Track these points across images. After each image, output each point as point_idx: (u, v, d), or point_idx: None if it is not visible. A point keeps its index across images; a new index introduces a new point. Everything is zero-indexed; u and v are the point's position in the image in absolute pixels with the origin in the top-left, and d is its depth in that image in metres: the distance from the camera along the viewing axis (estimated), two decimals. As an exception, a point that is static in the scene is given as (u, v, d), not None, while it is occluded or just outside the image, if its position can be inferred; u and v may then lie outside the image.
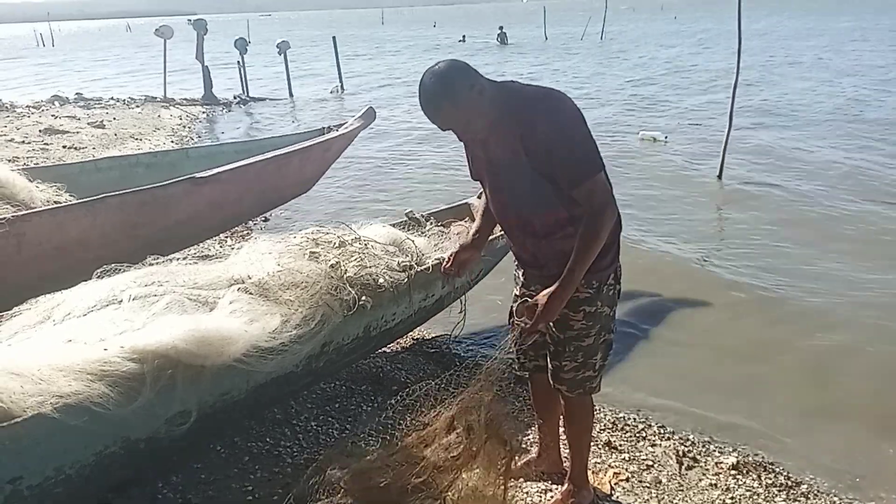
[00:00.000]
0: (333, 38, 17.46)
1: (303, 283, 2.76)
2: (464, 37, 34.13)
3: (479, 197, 4.35)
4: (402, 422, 2.31)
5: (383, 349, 3.46)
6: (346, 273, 2.89)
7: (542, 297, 2.05)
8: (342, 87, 16.67)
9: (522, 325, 2.30)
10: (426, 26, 58.57)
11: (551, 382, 2.30)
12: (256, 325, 2.48)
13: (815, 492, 2.63)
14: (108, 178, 4.81)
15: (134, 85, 17.64)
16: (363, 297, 2.84)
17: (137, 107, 13.92)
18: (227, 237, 5.77)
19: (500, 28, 33.52)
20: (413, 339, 3.79)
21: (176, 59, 18.50)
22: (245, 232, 6.03)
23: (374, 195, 7.41)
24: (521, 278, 2.33)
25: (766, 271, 4.91)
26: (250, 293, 2.65)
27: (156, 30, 15.34)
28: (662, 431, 3.01)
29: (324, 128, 6.35)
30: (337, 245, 3.11)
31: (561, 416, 2.53)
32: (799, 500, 2.57)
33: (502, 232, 3.70)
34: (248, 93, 15.79)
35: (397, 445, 2.25)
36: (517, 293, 2.36)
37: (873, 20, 35.36)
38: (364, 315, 2.88)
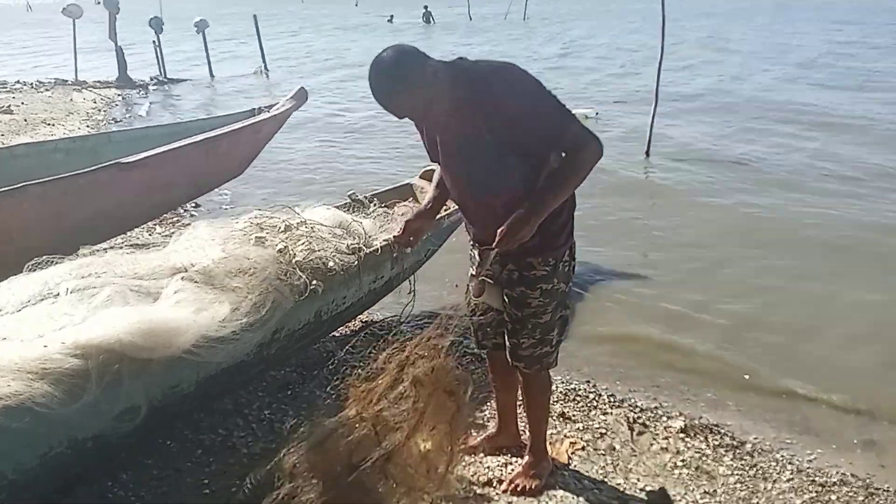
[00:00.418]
0: (254, 16, 16.87)
1: (250, 269, 2.67)
2: (391, 17, 33.53)
3: (420, 177, 4.35)
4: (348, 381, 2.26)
5: (333, 333, 3.39)
6: (294, 257, 2.83)
7: (510, 225, 1.97)
8: (266, 67, 16.17)
9: (478, 304, 2.31)
10: (347, 5, 57.37)
11: (510, 360, 2.32)
12: (204, 314, 2.40)
13: (759, 450, 2.76)
14: (24, 165, 4.51)
15: (41, 69, 16.55)
16: (314, 282, 2.78)
17: (47, 90, 13.08)
18: (155, 225, 5.52)
19: (426, 7, 33.17)
20: (362, 321, 3.74)
21: (85, 40, 17.45)
22: (175, 219, 5.79)
23: (309, 177, 7.24)
24: (478, 258, 2.32)
25: (699, 247, 5.11)
26: (195, 282, 2.55)
27: (63, 9, 14.42)
28: (612, 400, 3.09)
29: (254, 109, 6.13)
30: (283, 229, 3.03)
31: (519, 391, 2.56)
32: (745, 459, 2.70)
33: (449, 211, 3.74)
34: (165, 74, 15.10)
35: (346, 406, 2.20)
36: (472, 273, 2.35)
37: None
38: (315, 300, 2.82)
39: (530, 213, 1.96)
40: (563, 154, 2.01)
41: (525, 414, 2.55)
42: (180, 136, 5.05)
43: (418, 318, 3.86)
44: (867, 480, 2.58)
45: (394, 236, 2.41)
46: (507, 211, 2.02)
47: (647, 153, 7.44)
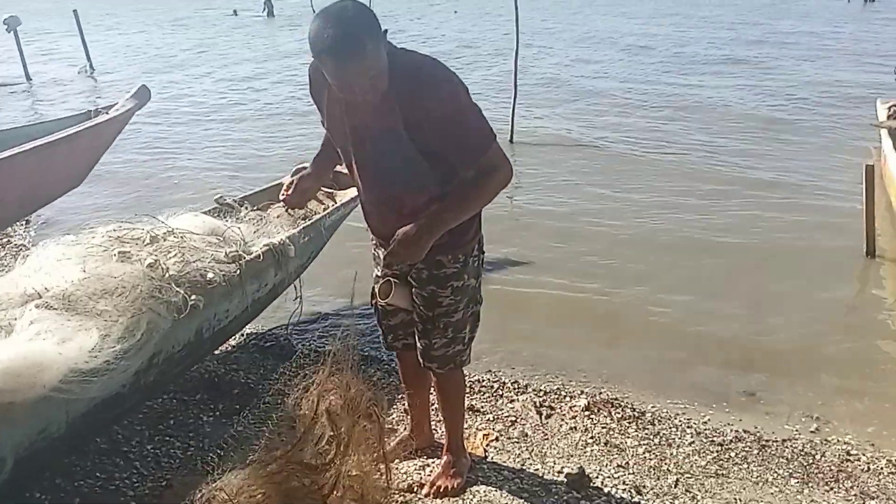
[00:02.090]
0: (75, 11, 15.33)
1: (118, 288, 2.36)
2: (235, 11, 31.67)
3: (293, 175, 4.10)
4: (261, 427, 2.09)
5: (215, 350, 3.11)
6: (167, 271, 2.53)
7: (402, 231, 1.87)
8: (91, 65, 14.75)
9: (385, 305, 2.19)
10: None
11: (421, 361, 2.21)
12: (71, 344, 2.08)
13: (659, 418, 2.88)
14: None
15: None
16: (193, 297, 2.51)
17: None
18: (-22, 248, 4.82)
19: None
20: (245, 334, 3.47)
21: None
22: (4, 240, 5.09)
23: (160, 183, 6.64)
24: (382, 258, 2.18)
25: (569, 227, 5.29)
26: (54, 308, 2.20)
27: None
28: (517, 386, 3.09)
29: (90, 111, 5.53)
30: (148, 241, 2.72)
31: (431, 391, 2.47)
32: (648, 428, 2.79)
33: (328, 210, 3.55)
34: (-31, 78, 13.35)
35: (267, 455, 2.02)
36: (378, 273, 2.21)
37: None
38: (195, 316, 2.55)
39: (425, 230, 1.86)
40: (473, 172, 1.90)
41: (440, 414, 2.46)
42: (7, 144, 4.43)
43: (308, 324, 3.67)
44: (758, 433, 2.77)
45: (281, 195, 2.25)
46: (410, 210, 1.92)
47: (511, 140, 7.64)
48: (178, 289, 2.47)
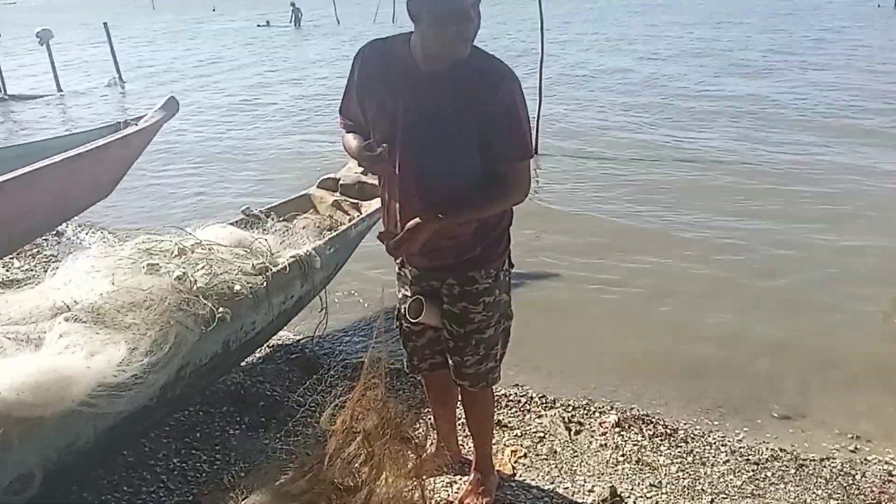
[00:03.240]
0: (105, 24, 15.63)
1: (146, 301, 2.36)
2: (267, 21, 32.03)
3: (319, 186, 4.09)
4: (291, 443, 2.06)
5: (241, 363, 3.11)
6: (196, 284, 2.53)
7: (410, 226, 1.85)
8: (120, 77, 15.03)
9: (413, 325, 2.13)
10: (204, 10, 54.92)
11: (454, 378, 2.17)
12: (99, 358, 2.08)
13: (692, 435, 2.80)
14: None
15: None
16: (221, 309, 2.50)
17: None
18: (13, 259, 4.89)
19: (293, 5, 31.94)
20: (270, 346, 3.46)
21: None
22: (35, 250, 5.16)
23: (190, 194, 6.69)
24: (409, 276, 2.13)
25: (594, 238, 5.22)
26: (82, 321, 2.21)
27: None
28: (544, 401, 3.03)
29: (119, 122, 5.58)
30: (176, 253, 2.72)
31: (457, 406, 2.43)
32: (681, 446, 2.72)
33: (354, 221, 3.54)
34: (5, 90, 13.64)
35: (296, 473, 1.99)
36: (406, 293, 2.16)
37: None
38: (223, 329, 2.54)
39: (433, 221, 1.84)
40: (503, 175, 1.90)
41: (468, 430, 2.42)
42: (36, 157, 4.48)
43: (333, 336, 3.66)
44: (794, 452, 2.68)
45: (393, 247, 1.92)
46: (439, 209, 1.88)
47: (536, 150, 7.57)
48: (205, 301, 2.47)
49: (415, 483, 2.06)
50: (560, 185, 6.57)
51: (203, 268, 2.65)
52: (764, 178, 6.35)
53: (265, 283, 2.76)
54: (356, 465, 1.99)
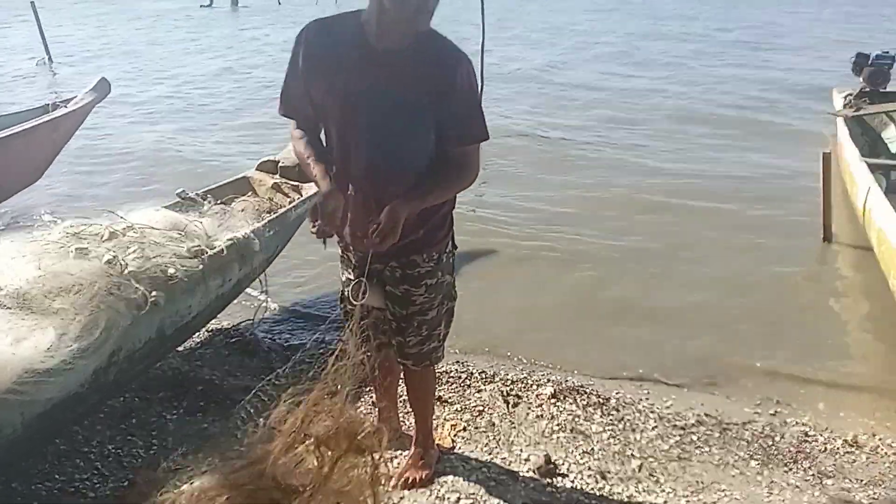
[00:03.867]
0: (32, 2, 14.91)
1: (75, 285, 2.31)
2: (211, 1, 31.16)
3: (258, 168, 4.03)
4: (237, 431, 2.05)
5: (178, 347, 3.07)
6: (127, 267, 2.49)
7: (388, 214, 1.77)
8: (50, 57, 14.37)
9: (359, 306, 2.13)
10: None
11: (397, 357, 2.20)
12: (25, 344, 2.04)
13: (623, 403, 2.91)
14: None
15: None
16: (153, 293, 2.47)
17: None
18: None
19: None
20: (209, 330, 3.42)
21: None
22: (-42, 238, 4.93)
23: (122, 177, 6.49)
24: (352, 259, 2.13)
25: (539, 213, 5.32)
26: (7, 307, 2.16)
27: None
28: (484, 376, 3.10)
29: (48, 104, 5.41)
30: (107, 237, 2.66)
31: (399, 384, 2.47)
32: (612, 414, 2.83)
33: (294, 203, 3.52)
34: (-80, 70, 12.91)
35: (237, 462, 1.97)
36: (350, 276, 2.15)
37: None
38: (156, 313, 2.51)
39: (406, 206, 1.79)
40: (456, 157, 1.91)
41: (410, 406, 2.46)
42: (-44, 139, 4.32)
43: (274, 319, 3.64)
44: (719, 417, 2.82)
45: (314, 230, 1.87)
46: (393, 191, 1.85)
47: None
48: (137, 285, 2.43)
49: (368, 493, 2.05)
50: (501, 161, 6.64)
51: (135, 251, 2.59)
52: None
53: (201, 267, 2.73)
54: (303, 468, 1.98)
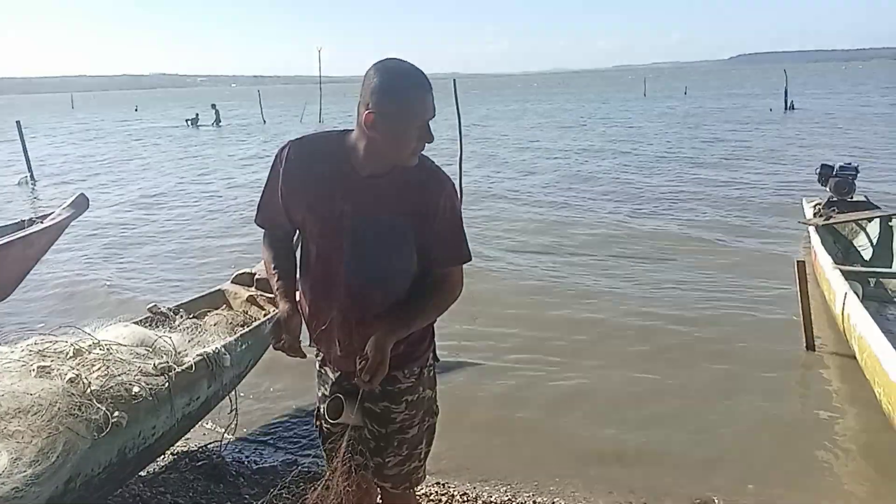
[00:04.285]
0: (18, 122, 15.31)
1: (34, 406, 2.20)
2: (197, 115, 32.56)
3: (233, 281, 3.98)
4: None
5: (140, 472, 2.88)
6: (89, 386, 2.38)
7: (376, 347, 1.74)
8: (32, 176, 14.58)
9: (332, 426, 2.03)
10: (126, 110, 54.84)
11: (374, 479, 2.07)
12: (-26, 470, 1.89)
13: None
14: None
15: None
16: (116, 413, 2.35)
17: None
18: None
19: (213, 106, 32.72)
20: (174, 453, 3.22)
21: None
22: (-81, 357, 4.73)
23: (95, 294, 6.38)
24: (330, 375, 2.03)
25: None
26: (-41, 431, 2.02)
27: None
28: (465, 498, 2.94)
29: (23, 220, 5.41)
30: (72, 354, 2.57)
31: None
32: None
33: (269, 315, 3.44)
34: None
35: None
36: (325, 392, 2.04)
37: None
38: (118, 435, 2.37)
39: (392, 334, 1.77)
40: (439, 280, 1.89)
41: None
42: (-71, 256, 4.25)
43: (245, 439, 3.47)
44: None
45: (278, 348, 1.84)
46: (376, 315, 1.82)
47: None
48: (99, 405, 2.31)
49: None
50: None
51: (99, 369, 2.50)
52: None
53: (167, 384, 2.62)
54: None
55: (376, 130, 1.72)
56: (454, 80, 8.32)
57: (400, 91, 1.69)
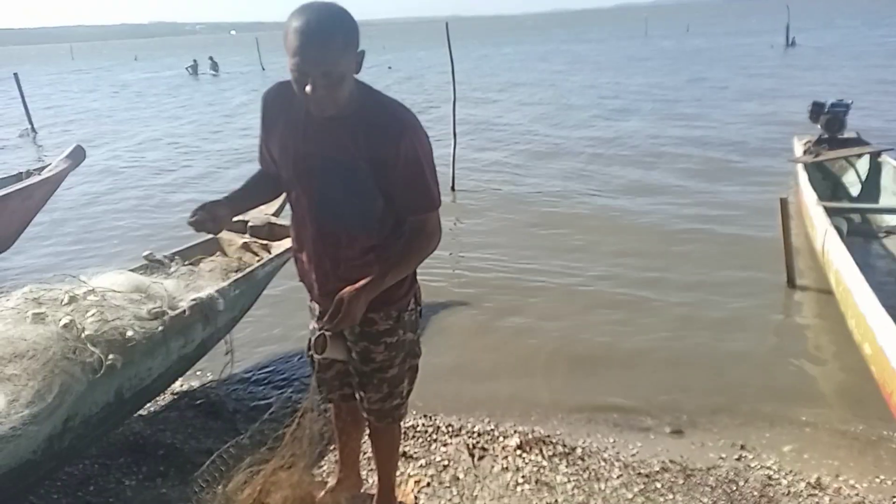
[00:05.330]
0: (15, 74, 15.19)
1: (29, 351, 2.32)
2: (195, 62, 32.22)
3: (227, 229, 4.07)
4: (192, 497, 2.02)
5: (140, 411, 3.03)
6: (83, 331, 2.50)
7: (345, 294, 1.81)
8: (33, 128, 14.59)
9: (321, 359, 2.14)
10: (126, 59, 54.14)
11: (362, 411, 2.19)
12: (-27, 411, 2.02)
13: (589, 453, 2.90)
14: None
15: None
16: (110, 356, 2.47)
17: None
18: None
19: (210, 58, 32.44)
20: (173, 392, 3.39)
21: None
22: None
23: (92, 244, 6.50)
24: (318, 310, 2.13)
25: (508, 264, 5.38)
26: (-42, 375, 2.15)
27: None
28: (450, 429, 3.08)
29: (21, 172, 5.48)
30: (66, 301, 2.68)
31: (363, 437, 2.45)
32: (578, 463, 2.81)
33: (262, 261, 3.54)
34: None
35: None
36: (315, 326, 2.15)
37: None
38: (114, 376, 2.50)
39: (367, 290, 1.81)
40: (414, 227, 1.89)
41: (373, 463, 2.43)
42: (-72, 209, 4.35)
43: (240, 379, 3.62)
44: (683, 463, 2.81)
45: (190, 221, 1.91)
46: (348, 256, 1.89)
47: (453, 187, 7.76)
48: (93, 349, 2.43)
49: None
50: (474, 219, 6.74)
51: (93, 315, 2.61)
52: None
53: (161, 328, 2.73)
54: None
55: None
56: (447, 23, 8.16)
57: (287, 26, 1.66)
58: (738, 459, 2.86)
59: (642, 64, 23.64)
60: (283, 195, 2.10)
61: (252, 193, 2.10)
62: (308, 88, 1.67)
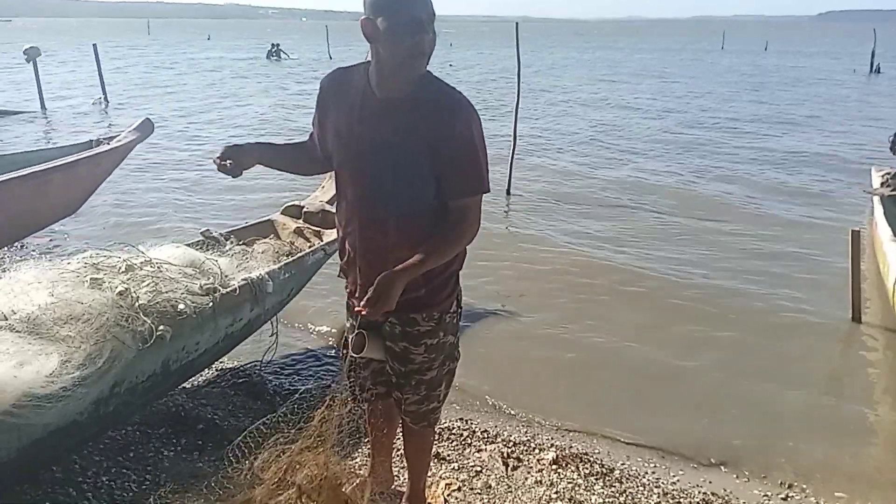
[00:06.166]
0: (94, 45, 15.78)
1: (84, 314, 2.37)
2: (277, 46, 33.17)
3: (282, 213, 4.12)
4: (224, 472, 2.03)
5: (184, 384, 3.08)
6: (137, 300, 2.54)
7: (383, 277, 1.79)
8: (106, 98, 15.14)
9: (357, 356, 2.11)
10: (199, 38, 55.74)
11: (399, 413, 2.17)
12: (28, 368, 2.08)
13: (627, 475, 2.81)
14: None
15: None
16: (161, 327, 2.50)
17: None
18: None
19: (275, 45, 33.22)
20: (217, 369, 3.44)
21: None
22: (-7, 262, 5.10)
23: (158, 215, 6.70)
24: (355, 307, 2.12)
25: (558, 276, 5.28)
26: (17, 331, 2.21)
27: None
28: (486, 436, 3.04)
29: (91, 140, 5.64)
30: (123, 269, 2.73)
31: (396, 435, 2.43)
32: (615, 486, 2.72)
33: (312, 248, 3.57)
34: (-14, 105, 13.65)
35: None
36: (353, 323, 2.09)
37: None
38: (162, 347, 2.54)
39: (401, 274, 1.79)
40: (457, 211, 1.87)
41: (405, 461, 2.40)
42: (5, 169, 4.51)
43: (282, 363, 3.65)
44: (726, 497, 2.69)
45: (216, 158, 1.99)
46: (395, 243, 1.87)
47: (508, 191, 7.70)
48: (145, 318, 2.47)
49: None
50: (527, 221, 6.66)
51: (148, 285, 2.65)
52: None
53: (212, 304, 2.77)
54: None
55: (375, 37, 1.77)
56: (517, 23, 8.06)
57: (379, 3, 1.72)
58: (783, 499, 2.73)
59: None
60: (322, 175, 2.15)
61: (283, 155, 2.20)
62: (406, 43, 1.74)
